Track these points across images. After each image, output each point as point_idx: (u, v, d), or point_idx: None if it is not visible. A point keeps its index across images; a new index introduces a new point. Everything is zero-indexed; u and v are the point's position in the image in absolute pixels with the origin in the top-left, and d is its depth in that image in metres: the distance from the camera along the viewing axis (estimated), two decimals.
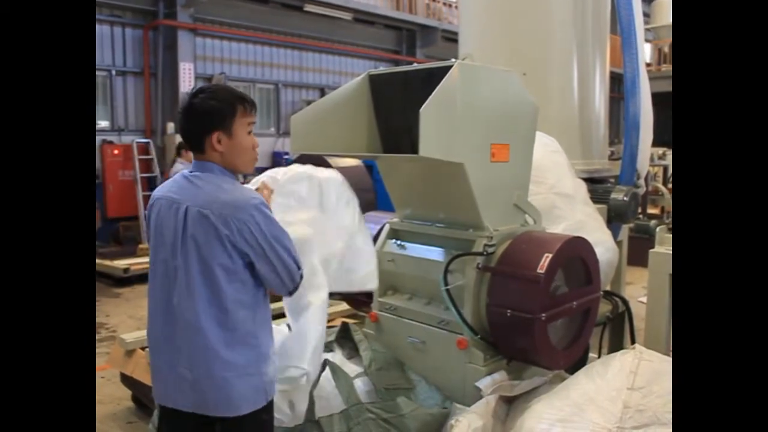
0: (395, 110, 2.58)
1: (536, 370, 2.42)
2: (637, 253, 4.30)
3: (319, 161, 4.26)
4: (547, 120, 4.05)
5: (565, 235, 2.36)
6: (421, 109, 1.94)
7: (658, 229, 3.11)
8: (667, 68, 20.93)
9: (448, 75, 2.13)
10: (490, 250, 2.30)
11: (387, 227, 2.68)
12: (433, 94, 2.02)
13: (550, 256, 2.17)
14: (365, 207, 3.38)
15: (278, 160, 11.08)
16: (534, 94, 4.27)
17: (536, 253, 2.20)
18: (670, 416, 1.62)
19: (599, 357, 3.10)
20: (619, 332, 3.39)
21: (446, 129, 2.10)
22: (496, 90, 2.40)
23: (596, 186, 3.88)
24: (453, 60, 2.27)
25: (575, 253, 2.36)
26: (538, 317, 2.13)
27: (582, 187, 3.07)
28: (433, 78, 2.23)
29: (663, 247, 3.01)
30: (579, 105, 4.34)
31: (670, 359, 1.91)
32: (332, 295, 3.93)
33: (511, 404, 2.31)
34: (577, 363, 3.03)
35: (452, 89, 2.14)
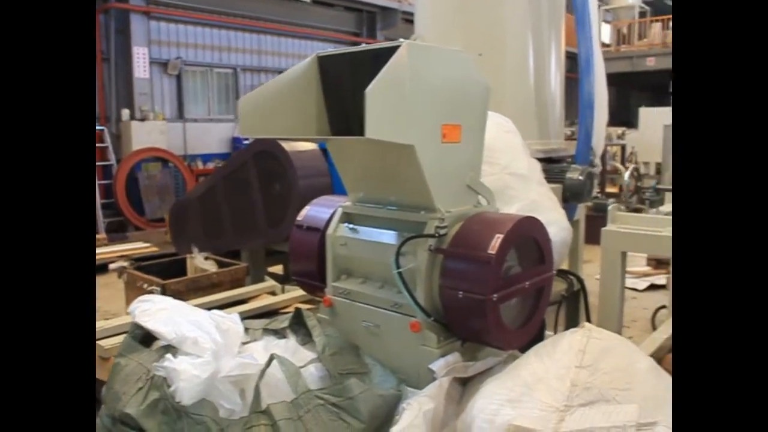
0: (345, 92, 2.53)
1: (491, 351, 2.42)
2: (595, 231, 4.35)
3: (274, 145, 4.21)
4: (503, 100, 4.06)
5: (517, 215, 2.36)
6: (367, 90, 1.90)
7: (610, 207, 3.14)
8: (626, 48, 21.25)
9: (395, 56, 2.09)
10: (442, 231, 2.28)
11: (339, 211, 2.64)
12: (379, 74, 1.98)
13: (501, 236, 2.16)
14: (321, 192, 3.35)
15: (237, 145, 10.95)
16: (490, 75, 4.25)
17: (487, 234, 2.19)
18: (614, 392, 1.64)
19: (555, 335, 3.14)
20: (574, 310, 3.43)
21: (394, 110, 2.07)
22: (446, 70, 2.37)
23: (552, 166, 3.91)
24: (401, 40, 2.23)
25: (527, 233, 2.35)
26: (489, 298, 2.12)
27: (536, 167, 3.08)
28: (381, 59, 2.19)
29: (615, 225, 3.03)
30: (535, 85, 4.35)
31: (618, 336, 1.93)
32: (286, 281, 3.91)
33: (466, 385, 2.31)
34: (533, 341, 3.06)
35: (399, 70, 2.10)
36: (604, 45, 21.61)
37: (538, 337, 3.20)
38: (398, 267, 2.28)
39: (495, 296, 2.14)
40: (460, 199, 2.45)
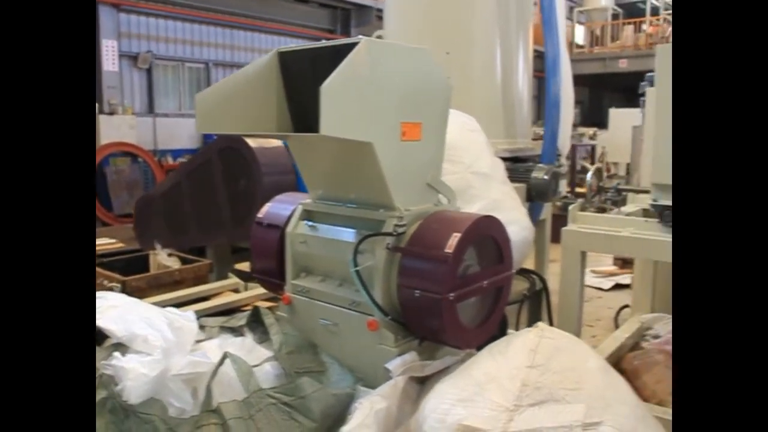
0: (305, 88, 2.51)
1: (449, 350, 2.42)
2: None
3: (239, 142, 4.17)
4: (470, 99, 4.06)
5: (475, 214, 2.35)
6: (322, 86, 1.88)
7: (570, 207, 3.15)
8: (599, 50, 21.49)
9: (353, 52, 2.07)
10: (401, 230, 2.27)
11: (299, 208, 2.62)
12: (336, 71, 1.96)
13: (459, 235, 2.16)
14: (286, 189, 3.32)
15: (208, 141, 10.83)
16: (457, 73, 4.28)
17: (445, 233, 2.19)
18: (564, 392, 1.64)
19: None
20: (537, 309, 3.45)
21: (351, 107, 2.05)
22: (406, 68, 2.36)
23: (517, 165, 3.92)
24: (360, 37, 2.21)
25: (486, 233, 2.35)
26: (445, 297, 2.12)
27: (499, 166, 3.08)
28: (341, 55, 2.17)
29: (575, 225, 3.05)
30: (502, 85, 4.36)
31: (570, 336, 1.93)
32: (250, 278, 3.86)
33: (424, 384, 2.30)
34: (494, 340, 3.06)
35: (358, 66, 2.08)
36: (578, 46, 21.90)
37: (500, 336, 3.22)
38: (356, 265, 2.26)
39: (451, 295, 2.14)
40: (420, 198, 2.44)
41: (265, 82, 2.52)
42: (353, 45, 2.13)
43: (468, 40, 4.26)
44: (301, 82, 2.53)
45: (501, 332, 3.22)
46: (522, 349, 1.80)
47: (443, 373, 2.30)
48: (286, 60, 2.55)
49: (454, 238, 2.16)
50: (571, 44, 21.24)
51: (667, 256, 3.09)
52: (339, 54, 2.24)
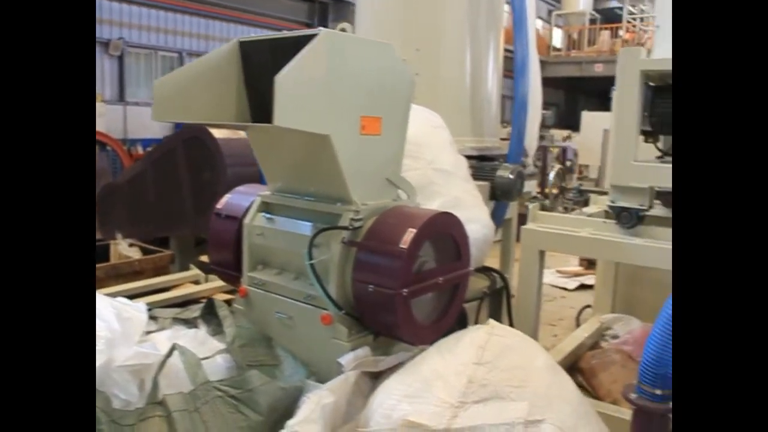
0: (265, 79, 2.47)
1: (403, 346, 2.41)
2: None
3: (203, 132, 4.12)
4: (439, 97, 4.06)
5: (432, 210, 2.35)
6: (277, 77, 1.86)
7: (530, 206, 3.16)
8: (576, 54, 21.67)
9: (311, 43, 2.05)
10: (357, 224, 2.26)
11: (258, 200, 2.59)
12: (293, 61, 1.94)
13: (414, 231, 2.15)
14: (250, 181, 3.28)
15: (177, 130, 10.71)
16: (427, 70, 4.27)
17: (400, 229, 2.18)
18: (509, 390, 1.64)
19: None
20: (497, 307, 3.46)
21: (307, 98, 2.03)
22: (368, 62, 2.34)
23: (483, 164, 3.93)
24: (320, 29, 2.19)
25: (443, 229, 2.35)
26: (399, 293, 2.11)
27: (462, 164, 3.08)
28: (301, 46, 2.15)
29: (534, 224, 3.06)
30: (471, 83, 4.36)
31: (520, 334, 1.94)
32: (211, 270, 3.82)
33: (378, 379, 2.29)
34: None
35: (316, 58, 2.07)
36: (555, 49, 22.07)
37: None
38: (311, 258, 2.24)
39: (405, 291, 2.13)
40: (378, 193, 2.43)
41: (225, 71, 2.49)
42: (313, 36, 2.11)
43: (438, 37, 4.26)
44: (261, 72, 2.49)
45: (460, 329, 3.24)
46: (470, 346, 1.79)
47: (397, 368, 2.30)
48: (246, 50, 2.51)
49: (410, 234, 2.15)
50: (549, 47, 21.42)
51: (623, 258, 3.13)
52: (299, 45, 2.22)
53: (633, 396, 1.86)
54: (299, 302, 2.40)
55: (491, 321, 1.96)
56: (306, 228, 2.41)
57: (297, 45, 2.26)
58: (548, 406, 1.59)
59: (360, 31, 4.27)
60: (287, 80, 1.89)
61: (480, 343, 1.79)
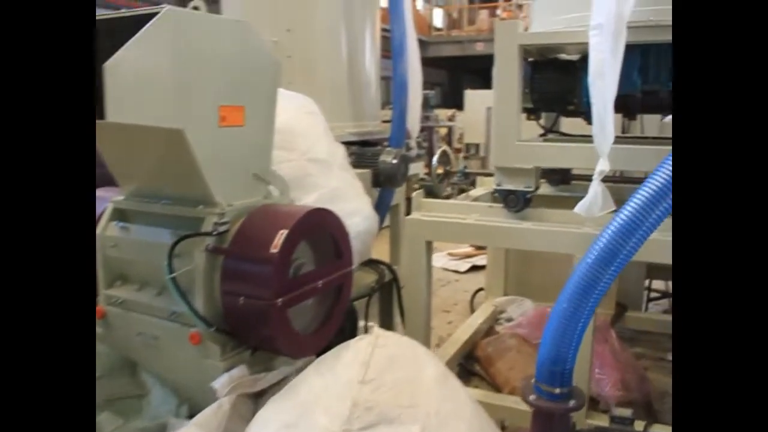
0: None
1: (285, 359, 2.19)
2: None
3: None
4: (315, 80, 3.81)
5: (306, 207, 2.13)
6: (106, 64, 1.58)
7: (414, 194, 3.00)
8: (456, 33, 21.99)
9: (151, 23, 1.77)
10: (222, 228, 2.00)
11: (110, 207, 2.27)
12: (126, 45, 1.66)
13: (286, 232, 1.92)
14: (102, 183, 2.91)
15: None
16: (300, 52, 4.00)
17: (271, 230, 1.94)
18: (398, 411, 1.46)
19: (365, 327, 2.98)
20: (388, 301, 3.30)
21: (150, 88, 1.75)
22: (224, 43, 2.07)
23: (366, 149, 3.74)
24: (164, 6, 1.90)
25: (319, 227, 2.14)
26: (274, 303, 1.88)
27: (339, 152, 2.87)
28: (143, 27, 1.85)
29: (420, 213, 2.91)
30: (348, 65, 4.14)
31: (407, 341, 1.76)
32: None
33: (261, 398, 2.06)
34: (345, 336, 2.87)
35: (158, 40, 1.79)
36: (436, 29, 22.31)
37: (350, 332, 3.04)
38: (171, 271, 1.96)
39: (280, 300, 1.90)
40: (245, 191, 2.18)
41: None
42: (154, 15, 1.82)
43: (311, 17, 4.00)
44: (102, 60, 2.16)
45: (351, 328, 3.05)
46: (353, 363, 1.59)
47: (282, 384, 2.08)
48: None
49: (281, 236, 1.92)
50: (430, 27, 21.61)
51: (513, 243, 3.05)
52: (140, 25, 1.92)
53: (532, 397, 1.74)
54: (164, 321, 2.12)
55: (375, 329, 1.77)
56: (165, 236, 2.12)
57: (138, 25, 1.96)
58: (442, 426, 1.42)
59: (226, 13, 3.95)
60: (119, 67, 1.62)
61: (363, 358, 1.59)
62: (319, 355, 2.12)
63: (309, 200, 2.52)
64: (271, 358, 2.19)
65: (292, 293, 1.96)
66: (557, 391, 1.73)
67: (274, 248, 1.89)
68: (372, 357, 1.59)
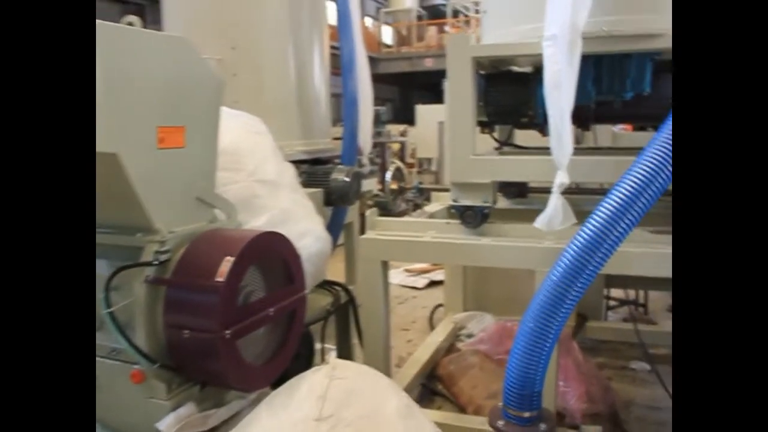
0: None
1: (237, 393, 2.06)
2: None
3: None
4: (262, 98, 3.71)
5: (254, 231, 2.02)
6: None
7: (368, 212, 2.91)
8: (406, 50, 22.12)
9: None
10: (163, 257, 1.88)
11: None
12: None
13: (232, 259, 1.81)
14: None
15: None
16: (246, 70, 3.88)
17: (216, 258, 1.83)
18: None
19: (322, 349, 2.86)
20: (345, 323, 3.19)
21: None
22: (162, 61, 1.96)
23: (316, 168, 3.64)
24: (98, 21, 1.77)
25: (269, 251, 2.03)
26: (221, 335, 1.76)
27: (288, 171, 2.76)
28: None
29: (374, 232, 2.81)
30: (297, 82, 4.05)
31: (366, 371, 1.66)
32: None
33: None
34: (301, 362, 2.75)
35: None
36: (386, 46, 22.40)
37: (307, 357, 2.91)
38: (108, 306, 1.82)
39: (228, 332, 1.78)
40: (188, 216, 2.05)
41: None
42: None
43: (257, 34, 3.91)
44: None
45: (307, 354, 2.93)
46: (308, 398, 1.48)
47: (234, 420, 1.95)
48: None
49: (227, 263, 1.80)
50: (380, 44, 21.69)
51: (472, 261, 2.97)
52: None
53: (500, 423, 1.65)
54: (103, 359, 1.97)
55: (332, 359, 1.66)
56: (102, 268, 1.98)
57: None
58: None
59: (168, 31, 3.82)
60: None
61: (319, 392, 1.48)
62: (274, 385, 2.00)
63: (257, 223, 2.40)
64: (222, 392, 2.06)
65: (241, 323, 1.84)
66: (526, 414, 1.65)
67: (220, 276, 1.78)
68: (329, 390, 1.48)
